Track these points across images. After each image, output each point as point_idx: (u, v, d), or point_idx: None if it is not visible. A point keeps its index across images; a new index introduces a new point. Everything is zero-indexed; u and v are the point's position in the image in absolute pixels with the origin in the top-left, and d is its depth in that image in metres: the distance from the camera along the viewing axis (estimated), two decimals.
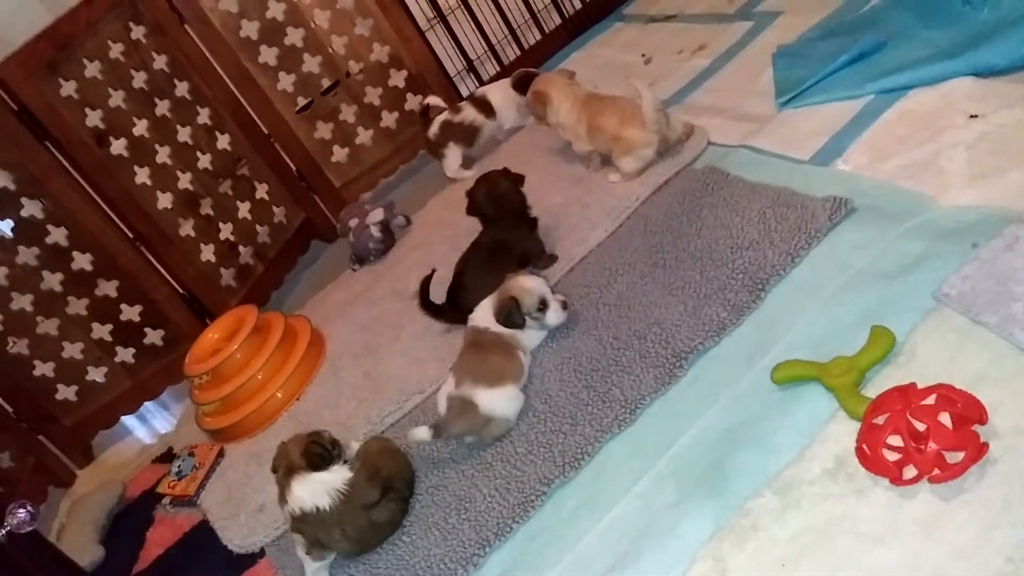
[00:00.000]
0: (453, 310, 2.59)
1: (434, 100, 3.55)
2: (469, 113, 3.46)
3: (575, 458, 1.96)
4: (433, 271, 2.69)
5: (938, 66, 2.31)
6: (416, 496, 2.17)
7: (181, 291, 3.31)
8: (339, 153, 3.75)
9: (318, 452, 2.14)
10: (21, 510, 1.60)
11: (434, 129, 3.48)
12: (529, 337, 2.35)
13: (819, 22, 2.92)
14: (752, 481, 1.65)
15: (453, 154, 3.50)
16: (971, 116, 2.13)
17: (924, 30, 2.48)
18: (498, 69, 4.03)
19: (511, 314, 2.28)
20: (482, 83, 3.99)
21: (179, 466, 2.82)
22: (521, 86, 3.34)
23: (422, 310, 2.64)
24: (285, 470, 2.13)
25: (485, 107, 3.48)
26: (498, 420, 2.15)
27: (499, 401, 2.15)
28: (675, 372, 2.00)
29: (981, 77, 2.23)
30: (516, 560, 1.87)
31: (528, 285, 2.31)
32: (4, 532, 1.63)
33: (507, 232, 2.62)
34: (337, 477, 2.10)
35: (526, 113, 3.37)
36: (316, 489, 2.08)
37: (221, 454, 2.82)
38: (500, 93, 3.50)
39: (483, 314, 2.35)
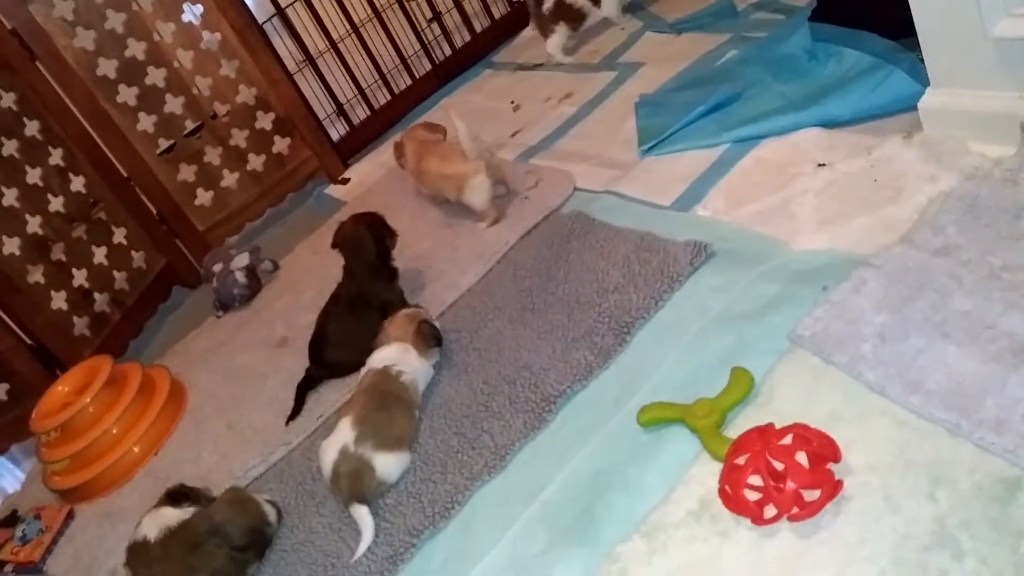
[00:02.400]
0: (316, 365, 2.54)
1: None
2: None
3: (445, 508, 1.93)
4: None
5: (788, 117, 2.42)
6: (281, 553, 2.09)
7: (29, 342, 3.12)
8: (203, 196, 3.64)
9: (178, 489, 2.12)
10: None
11: (548, 5, 3.65)
12: (425, 377, 2.30)
13: (678, 74, 3.03)
14: (620, 525, 1.66)
15: (561, 33, 3.67)
16: (819, 164, 2.24)
17: (775, 83, 2.61)
18: (368, 113, 4.01)
19: (435, 331, 2.28)
20: (352, 127, 3.96)
21: (23, 530, 2.63)
22: None
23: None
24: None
25: None
26: (387, 485, 2.07)
27: (395, 467, 2.07)
28: (544, 416, 2.00)
29: (828, 128, 2.35)
30: None
31: (422, 314, 2.34)
32: None
33: (366, 283, 2.57)
34: (176, 515, 2.03)
35: (622, 8, 3.72)
36: (154, 522, 2.02)
37: (71, 516, 2.65)
38: None
39: (391, 352, 2.25)
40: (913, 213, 1.92)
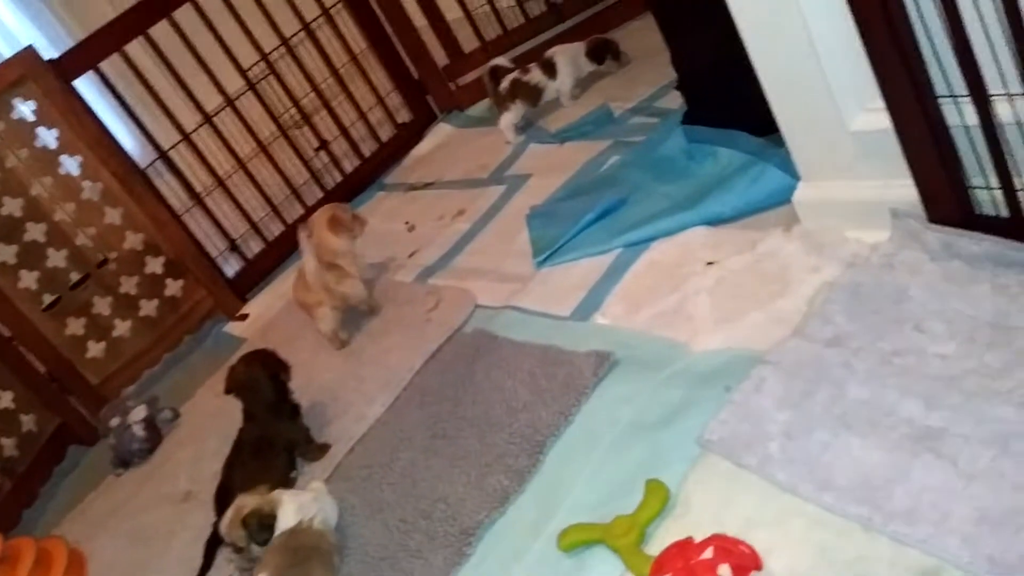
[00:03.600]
0: (221, 504, 2.41)
1: (501, 60, 3.79)
2: (536, 75, 3.66)
3: None
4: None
5: (674, 218, 2.48)
6: None
7: None
8: (95, 348, 3.51)
9: None
10: None
11: (504, 85, 3.67)
12: (334, 511, 2.20)
13: (564, 183, 3.08)
14: None
15: (515, 111, 3.68)
16: (708, 263, 2.28)
17: (658, 185, 2.67)
18: (263, 246, 3.97)
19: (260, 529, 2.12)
20: (247, 262, 3.90)
21: None
22: (594, 52, 3.66)
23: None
24: None
25: (550, 68, 3.66)
26: None
27: None
28: (464, 551, 1.93)
29: (713, 226, 2.41)
30: None
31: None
32: None
33: (268, 425, 2.50)
34: None
35: (582, 75, 3.72)
36: None
37: None
38: (567, 57, 3.66)
39: (288, 508, 2.12)
40: (801, 305, 1.96)
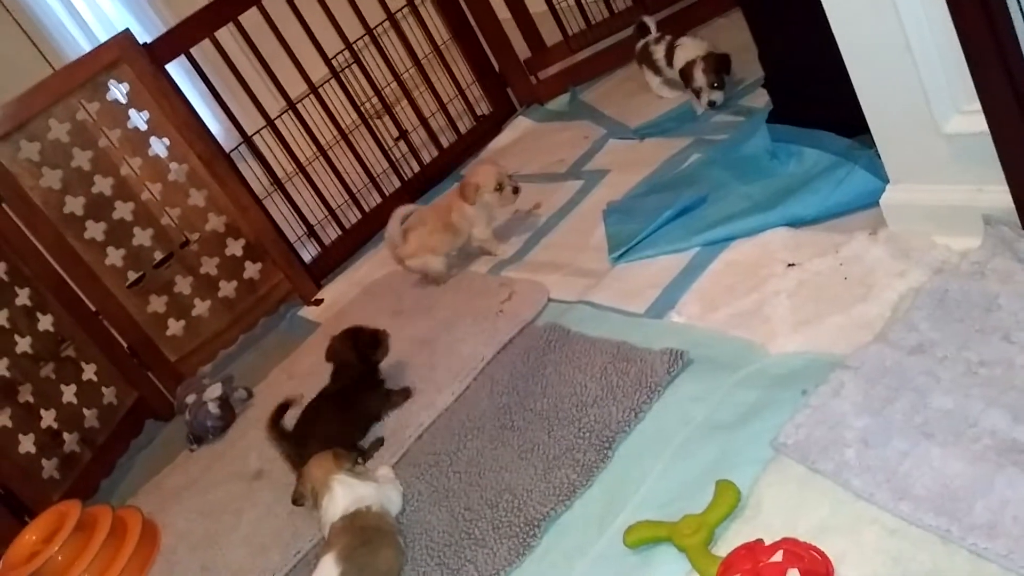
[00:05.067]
0: (296, 444, 2.55)
1: (648, 19, 3.63)
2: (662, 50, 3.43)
3: None
4: (291, 401, 2.69)
5: (755, 218, 2.43)
6: None
7: None
8: (174, 326, 3.60)
9: None
10: None
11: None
12: (393, 499, 2.23)
13: (643, 179, 3.05)
14: None
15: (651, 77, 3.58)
16: (789, 264, 2.23)
17: (739, 184, 2.63)
18: (340, 233, 4.02)
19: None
20: (324, 248, 3.96)
21: None
22: (715, 70, 3.17)
23: (268, 431, 2.59)
24: None
25: (670, 54, 3.38)
26: None
27: None
28: (528, 542, 1.93)
29: (795, 227, 2.36)
30: None
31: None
32: None
33: (351, 391, 2.66)
34: None
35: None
36: None
37: None
38: (689, 51, 3.27)
39: (339, 496, 2.14)
40: (885, 310, 1.91)
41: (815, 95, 2.48)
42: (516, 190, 3.14)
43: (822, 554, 1.47)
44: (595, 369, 2.28)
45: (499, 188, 3.11)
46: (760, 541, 1.52)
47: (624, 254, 2.67)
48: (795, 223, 2.37)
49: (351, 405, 2.63)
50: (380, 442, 2.57)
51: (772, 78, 2.76)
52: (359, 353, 2.68)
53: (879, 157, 2.09)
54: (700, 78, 3.15)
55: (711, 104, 3.15)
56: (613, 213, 2.93)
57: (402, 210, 3.26)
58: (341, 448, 2.33)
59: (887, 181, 2.10)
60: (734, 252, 2.42)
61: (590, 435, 2.09)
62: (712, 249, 2.47)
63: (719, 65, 3.14)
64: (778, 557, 1.47)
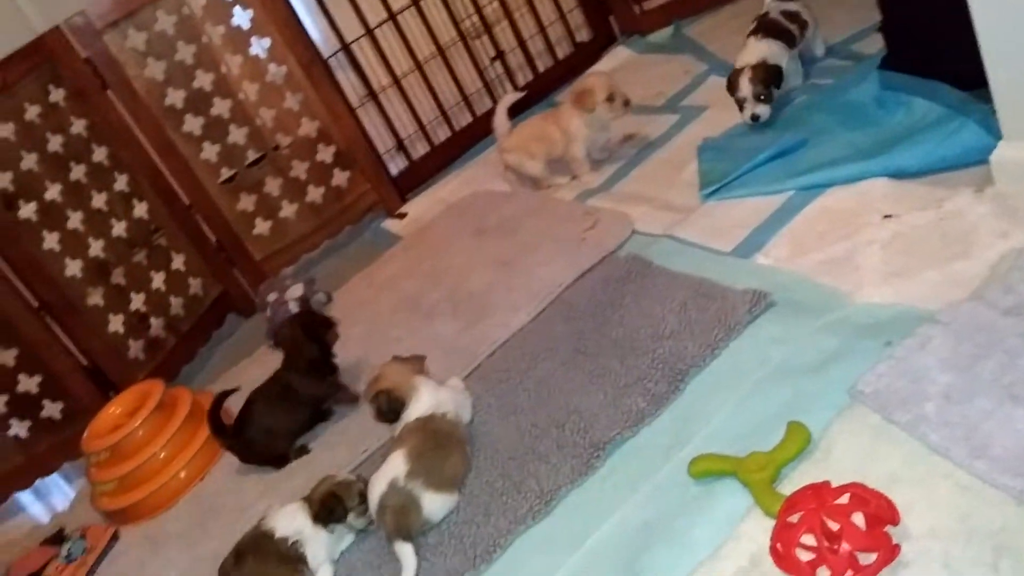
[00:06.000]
0: (235, 437, 2.58)
1: None
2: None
3: (487, 551, 1.89)
4: (234, 389, 2.69)
5: (855, 166, 2.36)
6: None
7: (85, 363, 3.16)
8: (261, 226, 3.68)
9: None
10: None
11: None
12: (465, 409, 2.28)
13: (742, 119, 2.98)
14: None
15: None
16: (885, 216, 2.17)
17: (843, 131, 2.55)
18: (428, 149, 4.03)
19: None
20: (412, 163, 3.98)
21: (69, 549, 2.66)
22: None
23: (207, 423, 2.60)
24: None
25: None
26: (430, 524, 2.03)
27: (441, 508, 2.04)
28: (592, 463, 1.95)
29: (896, 179, 2.29)
30: None
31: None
32: None
33: (298, 377, 2.59)
34: None
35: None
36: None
37: (115, 537, 2.66)
38: (745, 54, 2.92)
39: (424, 398, 2.19)
40: (983, 269, 1.85)
41: (933, 43, 2.37)
42: (627, 103, 3.09)
43: (889, 502, 1.46)
44: (674, 303, 2.27)
45: (610, 99, 3.07)
46: (827, 483, 1.51)
47: (715, 192, 2.63)
48: (897, 174, 2.29)
49: (294, 393, 2.57)
50: (304, 450, 2.59)
51: (890, 22, 2.64)
52: (311, 335, 2.60)
53: (994, 113, 2.00)
54: (746, 88, 2.83)
55: (754, 119, 2.84)
56: (708, 150, 2.88)
57: (508, 98, 3.33)
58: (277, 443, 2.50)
59: (999, 138, 2.01)
60: (830, 198, 2.36)
61: (663, 367, 2.09)
62: (807, 194, 2.41)
63: (768, 77, 2.83)
64: (844, 499, 1.46)
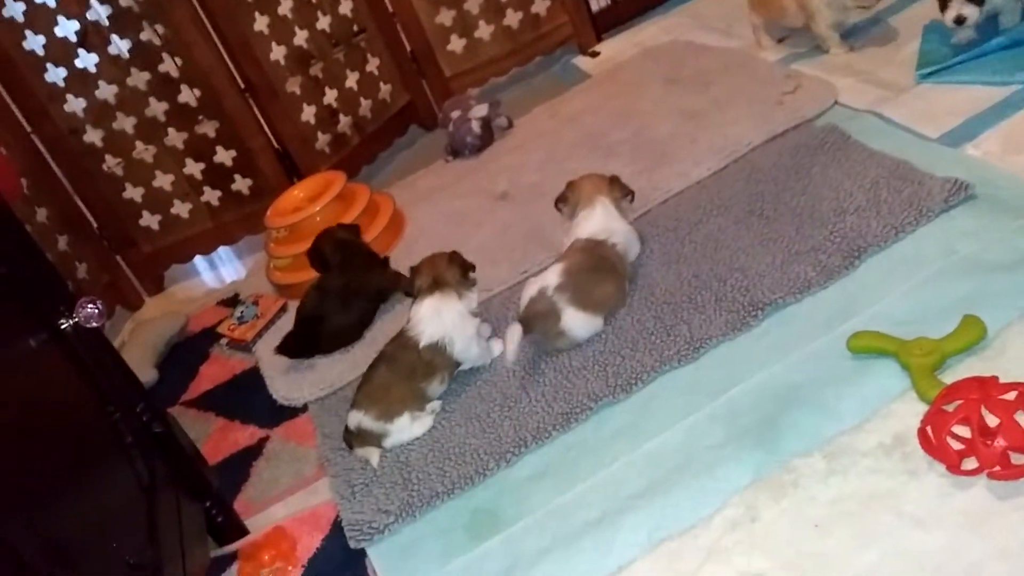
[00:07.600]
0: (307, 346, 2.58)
1: None
2: None
3: (628, 381, 1.94)
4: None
5: None
6: (464, 387, 2.18)
7: (276, 145, 3.33)
8: (456, 43, 3.69)
9: None
10: (91, 305, 1.64)
11: None
12: (633, 246, 2.30)
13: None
14: (804, 441, 1.62)
15: None
16: None
17: None
18: None
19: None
20: (614, 2, 3.87)
21: (242, 311, 2.88)
22: None
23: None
24: None
25: None
26: (569, 339, 2.11)
27: (582, 327, 2.10)
28: (748, 321, 1.95)
29: None
30: (549, 466, 1.87)
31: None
32: (72, 323, 1.68)
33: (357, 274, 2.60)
34: None
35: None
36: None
37: (284, 308, 2.86)
38: None
39: (598, 218, 2.24)
40: None
41: None
42: None
43: None
44: (866, 180, 2.18)
45: None
46: (995, 377, 1.47)
47: (933, 74, 2.46)
48: None
49: (356, 289, 2.58)
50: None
51: None
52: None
53: None
54: None
55: (958, 21, 2.41)
56: (935, 30, 2.67)
57: None
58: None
59: None
60: None
61: (841, 240, 2.03)
62: None
63: None
64: (1010, 396, 1.42)
